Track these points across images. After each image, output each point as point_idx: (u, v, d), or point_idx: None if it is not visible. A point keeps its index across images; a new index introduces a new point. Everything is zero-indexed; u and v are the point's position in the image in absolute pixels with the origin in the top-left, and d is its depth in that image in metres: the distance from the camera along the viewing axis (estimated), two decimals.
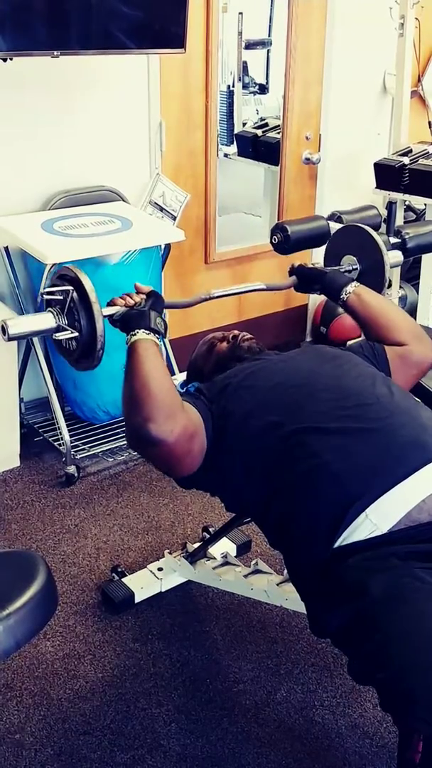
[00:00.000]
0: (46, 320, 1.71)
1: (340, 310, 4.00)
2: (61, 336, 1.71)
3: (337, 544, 1.49)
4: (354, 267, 2.16)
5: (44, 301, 1.76)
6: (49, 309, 1.73)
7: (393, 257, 2.20)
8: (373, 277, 2.12)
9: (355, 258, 2.17)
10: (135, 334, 1.68)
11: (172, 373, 2.88)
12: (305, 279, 2.12)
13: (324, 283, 2.06)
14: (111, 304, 1.77)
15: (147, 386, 1.60)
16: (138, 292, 1.80)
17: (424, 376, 1.97)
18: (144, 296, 1.78)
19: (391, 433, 1.60)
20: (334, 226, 2.92)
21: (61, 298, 1.71)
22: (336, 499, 1.52)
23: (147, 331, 1.69)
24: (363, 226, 2.19)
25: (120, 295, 1.78)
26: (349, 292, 2.00)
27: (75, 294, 1.68)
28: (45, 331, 1.72)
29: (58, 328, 1.71)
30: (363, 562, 1.45)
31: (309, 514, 1.56)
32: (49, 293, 1.72)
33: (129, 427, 1.64)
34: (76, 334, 1.69)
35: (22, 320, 1.73)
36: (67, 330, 1.70)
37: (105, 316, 1.72)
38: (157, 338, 1.70)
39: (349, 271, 2.16)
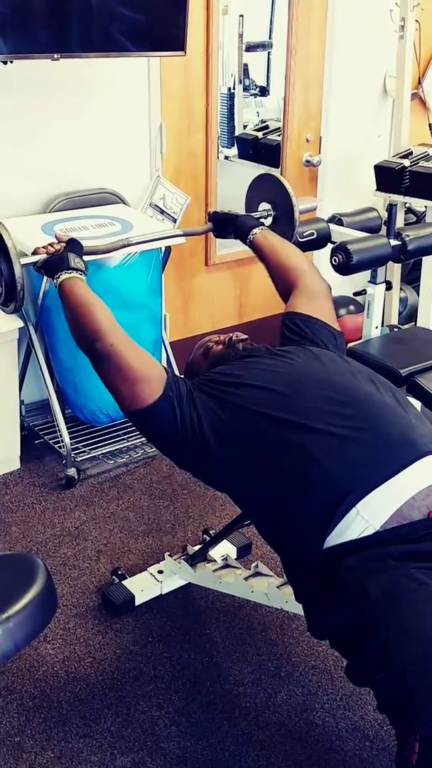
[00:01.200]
0: None
1: (341, 311, 4.03)
2: None
3: (330, 543, 1.50)
4: (269, 213, 2.35)
5: None
6: None
7: (303, 203, 2.43)
8: (286, 221, 2.33)
9: (269, 205, 2.36)
10: (59, 276, 1.84)
11: None
12: (220, 224, 2.30)
13: (235, 225, 2.24)
14: (34, 253, 1.94)
15: (85, 309, 1.76)
16: (59, 242, 1.96)
17: (328, 301, 2.08)
18: (63, 244, 1.94)
19: (380, 431, 1.60)
20: (335, 228, 2.94)
21: None
22: (326, 495, 1.52)
23: (69, 271, 1.85)
24: (275, 174, 2.41)
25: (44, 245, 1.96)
26: (256, 233, 2.18)
27: None
28: None
29: None
30: (359, 563, 1.46)
31: (301, 510, 1.56)
32: None
33: (83, 347, 1.75)
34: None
35: None
36: None
37: (28, 264, 1.91)
38: (81, 276, 1.85)
39: (265, 217, 2.34)
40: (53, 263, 1.88)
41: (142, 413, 1.71)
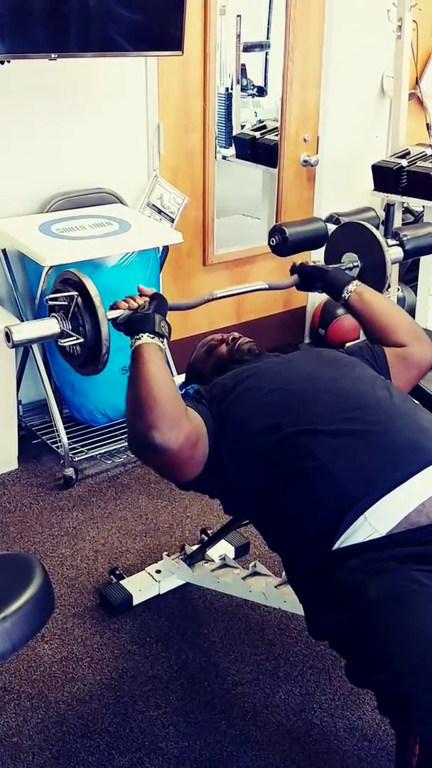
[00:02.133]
0: (50, 326, 1.69)
1: (339, 311, 4.04)
2: (66, 342, 1.70)
3: (335, 547, 1.49)
4: (355, 264, 2.16)
5: (48, 306, 1.75)
6: (53, 314, 1.71)
7: (394, 253, 2.21)
8: (375, 274, 2.12)
9: (356, 255, 2.17)
10: (140, 338, 1.67)
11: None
12: (307, 277, 2.12)
13: (326, 281, 2.06)
14: (114, 307, 1.75)
15: (152, 392, 1.58)
16: (141, 295, 1.79)
17: (424, 377, 1.97)
18: (147, 299, 1.77)
19: (390, 436, 1.59)
20: (332, 228, 2.93)
21: (65, 303, 1.69)
22: (335, 501, 1.51)
23: (151, 335, 1.68)
24: (364, 223, 2.19)
25: (123, 298, 1.78)
26: (351, 291, 2.00)
27: (79, 299, 1.66)
28: (49, 336, 1.71)
29: (63, 334, 1.69)
30: (361, 565, 1.45)
31: (308, 516, 1.55)
32: (53, 299, 1.71)
33: (132, 434, 1.62)
34: (81, 339, 1.67)
35: (26, 327, 1.71)
36: (72, 336, 1.68)
37: (108, 320, 1.70)
38: (161, 342, 1.69)
39: (350, 269, 2.15)
40: (136, 321, 1.70)
41: (190, 485, 1.73)
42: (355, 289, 2.00)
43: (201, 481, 1.74)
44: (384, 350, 1.92)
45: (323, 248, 2.29)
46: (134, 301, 1.76)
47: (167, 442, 1.54)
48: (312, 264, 2.12)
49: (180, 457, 1.60)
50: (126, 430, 3.27)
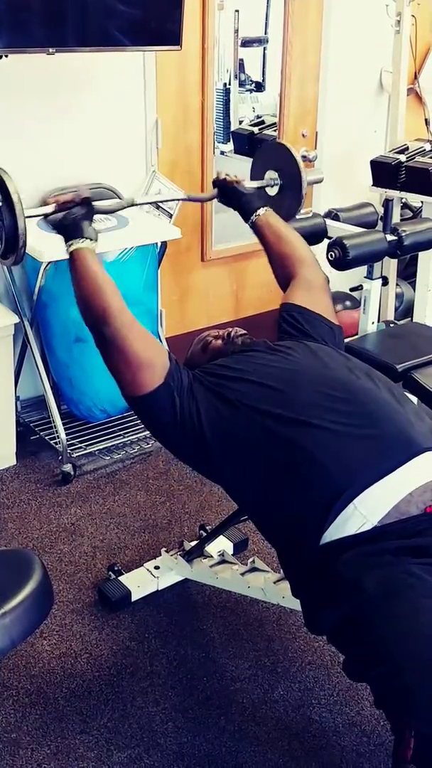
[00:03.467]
0: None
1: (337, 306, 4.02)
2: None
3: (328, 539, 1.49)
4: (276, 182, 2.28)
5: None
6: None
7: (312, 174, 2.36)
8: (292, 192, 2.26)
9: (276, 174, 2.29)
10: (72, 244, 1.83)
11: None
12: (225, 194, 2.22)
13: (240, 202, 2.17)
14: (44, 204, 1.94)
15: (95, 283, 1.76)
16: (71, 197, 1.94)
17: (326, 294, 2.06)
18: (78, 205, 1.91)
19: (377, 427, 1.60)
20: (331, 224, 2.93)
21: None
22: (323, 490, 1.52)
23: (83, 240, 1.83)
24: (284, 142, 2.35)
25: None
26: (259, 215, 2.13)
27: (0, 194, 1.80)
28: None
29: None
30: (357, 559, 1.45)
31: (297, 506, 1.56)
32: None
33: (88, 324, 1.74)
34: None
35: None
36: None
37: (41, 215, 1.91)
38: (93, 245, 1.84)
39: (271, 186, 2.29)
40: (66, 227, 1.87)
41: (142, 400, 1.70)
42: (264, 212, 2.13)
43: (193, 458, 1.77)
44: (294, 305, 2.00)
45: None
46: (64, 201, 1.92)
47: (114, 330, 1.69)
48: (233, 181, 2.20)
49: (129, 348, 1.69)
50: (125, 426, 3.30)
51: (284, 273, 2.09)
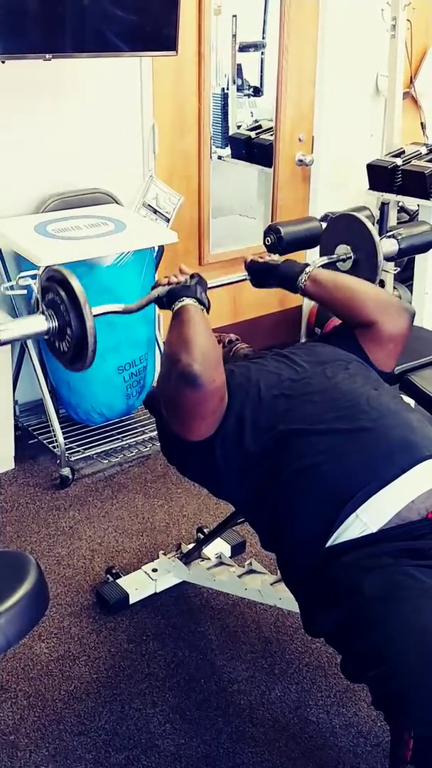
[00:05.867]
0: (37, 323, 1.72)
1: None
2: (53, 338, 1.73)
3: (329, 544, 1.50)
4: (348, 256, 2.14)
5: (34, 304, 1.78)
6: (41, 311, 1.73)
7: (387, 246, 2.21)
8: (367, 265, 2.10)
9: (348, 247, 2.15)
10: (182, 301, 1.72)
11: None
12: (259, 274, 2.07)
13: (278, 275, 2.01)
14: (155, 286, 1.82)
15: (198, 335, 1.63)
16: (181, 273, 1.84)
17: (402, 344, 1.92)
18: (188, 277, 1.82)
19: (380, 435, 1.60)
20: None
21: (54, 299, 1.70)
22: (327, 500, 1.52)
23: (194, 300, 1.72)
24: (356, 214, 2.18)
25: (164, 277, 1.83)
26: (305, 280, 1.94)
27: (65, 296, 1.67)
28: (36, 334, 1.73)
29: (49, 331, 1.71)
30: (356, 561, 1.46)
31: (300, 515, 1.56)
32: (41, 296, 1.73)
33: (174, 365, 1.61)
34: (68, 335, 1.68)
35: (13, 325, 1.73)
36: (59, 333, 1.70)
37: (152, 301, 1.79)
38: (204, 310, 1.73)
39: (344, 260, 2.14)
40: (178, 290, 1.75)
41: (183, 442, 1.70)
42: (308, 275, 1.94)
43: (197, 469, 1.78)
44: (355, 334, 1.90)
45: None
46: (174, 278, 1.81)
47: (207, 378, 1.58)
48: (262, 260, 2.07)
49: (211, 400, 1.62)
50: (123, 429, 3.31)
51: (359, 322, 1.91)
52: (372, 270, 2.09)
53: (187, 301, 1.72)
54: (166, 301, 1.77)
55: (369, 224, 2.11)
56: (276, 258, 2.08)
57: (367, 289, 1.95)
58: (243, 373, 1.79)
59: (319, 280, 1.94)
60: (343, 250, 2.16)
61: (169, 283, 1.81)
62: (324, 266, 2.12)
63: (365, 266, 2.11)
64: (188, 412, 1.65)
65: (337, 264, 2.15)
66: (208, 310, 1.76)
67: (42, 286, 1.74)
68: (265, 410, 1.68)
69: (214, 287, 1.95)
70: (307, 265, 1.98)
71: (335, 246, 2.18)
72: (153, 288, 1.82)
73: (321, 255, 2.22)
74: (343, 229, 2.19)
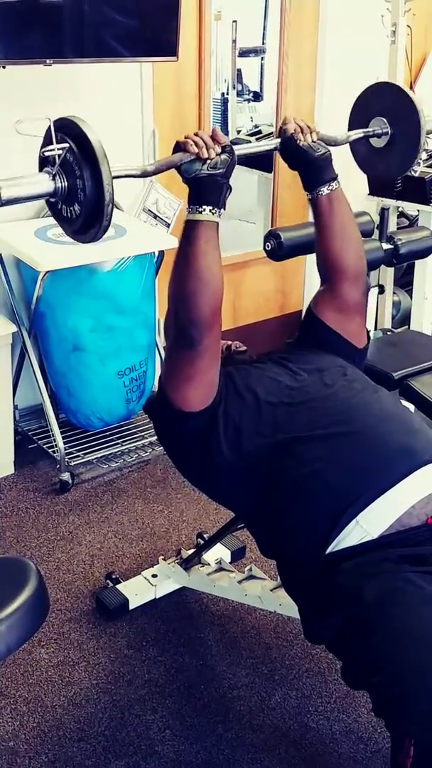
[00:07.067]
0: (41, 183, 1.49)
1: None
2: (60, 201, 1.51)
3: (329, 551, 1.50)
4: (384, 130, 1.90)
5: (39, 159, 1.57)
6: (46, 169, 1.50)
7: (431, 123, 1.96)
8: (407, 143, 1.88)
9: (385, 120, 1.90)
10: (202, 212, 1.56)
11: None
12: (290, 152, 1.82)
13: (308, 161, 1.79)
14: (179, 149, 1.60)
15: (204, 280, 1.55)
16: (215, 141, 1.59)
17: (364, 314, 1.90)
18: (220, 149, 1.59)
19: (379, 440, 1.60)
20: None
21: (62, 154, 1.46)
22: (327, 507, 1.52)
23: (214, 210, 1.57)
24: (399, 84, 1.93)
25: (193, 134, 1.60)
26: (328, 190, 1.80)
27: (78, 151, 1.44)
28: (41, 195, 1.51)
29: (56, 192, 1.49)
30: (356, 567, 1.46)
31: (300, 522, 1.56)
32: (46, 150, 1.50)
33: (176, 312, 1.57)
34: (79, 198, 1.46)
35: (17, 183, 1.52)
36: (68, 196, 1.49)
37: (172, 166, 1.56)
38: (220, 217, 1.58)
39: (379, 135, 1.92)
40: (206, 185, 1.55)
41: (182, 415, 1.68)
42: (333, 188, 1.81)
43: (196, 474, 1.78)
44: (321, 318, 1.89)
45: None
46: (206, 147, 1.57)
47: (204, 332, 1.56)
48: (300, 142, 1.80)
49: (204, 358, 1.60)
50: (122, 434, 3.30)
51: (324, 272, 1.89)
52: (411, 152, 1.87)
53: (206, 215, 1.56)
54: (191, 186, 1.59)
55: (410, 93, 1.86)
56: (316, 144, 1.80)
57: (359, 246, 1.89)
58: (242, 380, 1.78)
59: (337, 204, 1.81)
60: (379, 123, 1.90)
61: (198, 156, 1.58)
62: (357, 140, 1.91)
63: (404, 144, 1.88)
64: (183, 372, 1.65)
65: (371, 141, 1.92)
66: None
67: (48, 137, 1.51)
68: (264, 418, 1.68)
69: (242, 154, 1.68)
70: (335, 179, 1.82)
71: (370, 118, 1.93)
72: (175, 150, 1.59)
73: (350, 126, 1.98)
74: (380, 100, 1.92)
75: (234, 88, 4.31)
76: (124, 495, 3.09)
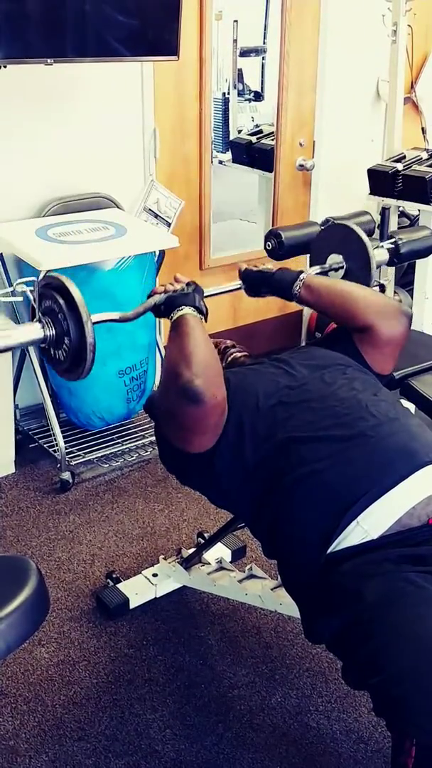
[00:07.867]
0: (33, 331, 1.67)
1: None
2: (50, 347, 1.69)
3: (329, 551, 1.50)
4: (340, 265, 2.12)
5: (30, 311, 1.74)
6: (38, 319, 1.70)
7: (379, 255, 2.18)
8: (361, 274, 2.08)
9: (340, 256, 2.13)
10: (181, 310, 1.69)
11: None
12: (252, 283, 2.03)
13: (271, 284, 1.98)
14: (151, 294, 1.77)
15: (198, 348, 1.61)
16: (177, 282, 1.80)
17: (401, 348, 1.90)
18: (184, 285, 1.79)
19: (380, 441, 1.60)
20: None
21: (51, 307, 1.66)
22: (327, 507, 1.52)
23: (192, 309, 1.69)
24: (348, 223, 2.16)
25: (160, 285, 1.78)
26: (300, 288, 1.92)
27: (63, 303, 1.62)
28: (33, 342, 1.69)
29: (46, 339, 1.67)
30: (357, 568, 1.45)
31: (301, 523, 1.56)
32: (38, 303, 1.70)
33: (175, 381, 1.58)
34: (65, 344, 1.64)
35: (9, 332, 1.69)
36: (57, 341, 1.66)
37: (149, 309, 1.74)
38: (201, 319, 1.70)
39: (336, 270, 2.12)
40: (176, 298, 1.72)
41: (182, 453, 1.68)
42: (302, 283, 1.92)
43: (196, 478, 1.76)
44: (353, 338, 1.88)
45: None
46: (171, 285, 1.78)
47: (208, 393, 1.55)
48: (256, 269, 2.03)
49: (212, 415, 1.60)
50: (123, 434, 3.30)
51: (355, 327, 1.89)
52: (365, 279, 2.07)
53: (186, 310, 1.69)
54: (163, 309, 1.74)
55: (362, 233, 2.08)
56: (270, 266, 2.03)
57: (364, 293, 1.93)
58: (240, 382, 1.78)
59: (314, 286, 1.93)
60: (335, 259, 2.13)
61: (165, 291, 1.77)
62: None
63: (357, 276, 2.09)
64: (189, 427, 1.63)
65: (329, 274, 2.13)
66: (206, 318, 1.74)
67: (39, 293, 1.71)
68: (263, 419, 1.67)
69: (210, 296, 1.92)
70: (301, 272, 1.95)
71: (327, 255, 2.16)
72: (149, 296, 1.78)
73: (311, 264, 2.20)
74: (334, 237, 2.16)
75: (235, 87, 4.32)
76: (124, 494, 3.09)
